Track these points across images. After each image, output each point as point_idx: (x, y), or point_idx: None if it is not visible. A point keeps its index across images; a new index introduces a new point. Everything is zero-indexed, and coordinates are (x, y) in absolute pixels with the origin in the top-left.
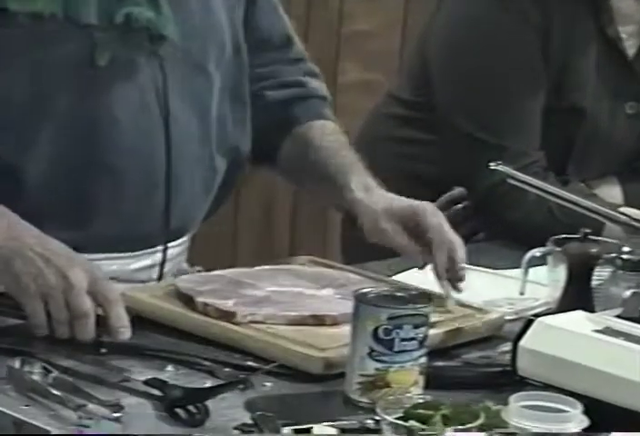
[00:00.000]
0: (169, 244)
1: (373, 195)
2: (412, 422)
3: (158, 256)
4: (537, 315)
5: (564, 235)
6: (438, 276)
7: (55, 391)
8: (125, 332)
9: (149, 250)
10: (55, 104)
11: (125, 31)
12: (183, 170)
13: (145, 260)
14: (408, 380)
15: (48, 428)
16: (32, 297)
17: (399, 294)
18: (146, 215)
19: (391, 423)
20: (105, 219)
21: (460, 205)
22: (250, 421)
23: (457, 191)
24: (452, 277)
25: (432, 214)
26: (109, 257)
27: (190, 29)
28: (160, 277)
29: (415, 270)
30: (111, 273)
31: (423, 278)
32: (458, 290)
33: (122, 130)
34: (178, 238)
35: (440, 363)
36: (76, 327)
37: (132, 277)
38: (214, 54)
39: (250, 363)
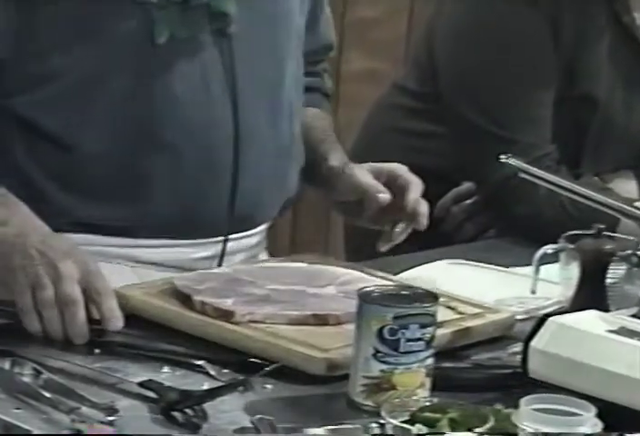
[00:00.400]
0: (233, 235)
1: (348, 164)
2: (418, 426)
3: (220, 247)
4: (549, 315)
5: (577, 231)
6: (405, 211)
7: (46, 394)
8: (116, 322)
9: (211, 239)
10: (114, 80)
11: (184, 8)
12: (251, 153)
13: (206, 249)
14: (414, 382)
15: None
16: (22, 289)
17: (405, 293)
18: (209, 198)
19: (396, 427)
20: (163, 198)
21: (469, 201)
22: (250, 425)
23: (466, 185)
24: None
25: (406, 171)
26: (168, 244)
27: (261, 15)
28: None
29: (423, 267)
30: (170, 262)
31: (430, 276)
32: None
33: (181, 107)
34: (244, 228)
35: (448, 365)
36: (66, 316)
37: (192, 267)
38: (285, 42)
39: (250, 365)
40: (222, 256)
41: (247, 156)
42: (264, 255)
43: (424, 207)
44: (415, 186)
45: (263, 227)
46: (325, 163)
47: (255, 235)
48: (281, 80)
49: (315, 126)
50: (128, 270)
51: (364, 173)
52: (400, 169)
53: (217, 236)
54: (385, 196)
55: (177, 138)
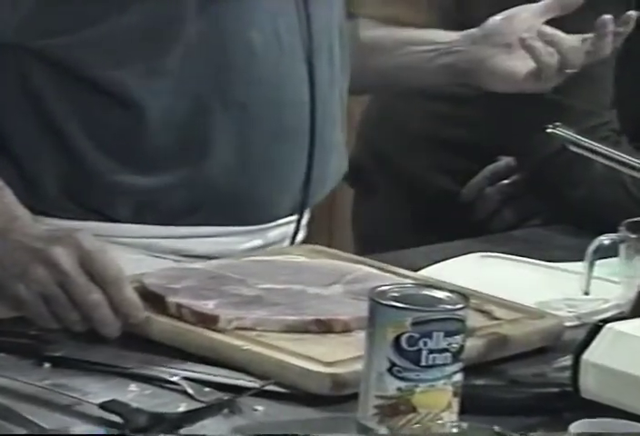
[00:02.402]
0: (294, 217)
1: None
2: None
3: (291, 228)
4: (606, 321)
5: None
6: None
7: None
8: (137, 314)
9: (281, 220)
10: (185, 29)
11: None
12: (326, 118)
13: (272, 235)
14: (439, 403)
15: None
16: (28, 302)
17: (428, 293)
18: (284, 169)
19: None
20: (228, 167)
21: (507, 180)
22: None
23: (504, 162)
24: None
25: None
26: (225, 232)
27: None
28: None
29: (451, 262)
30: (222, 253)
31: (459, 272)
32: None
33: (254, 59)
34: (310, 205)
35: (480, 382)
36: (95, 323)
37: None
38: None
39: (237, 382)
40: (293, 241)
41: (322, 121)
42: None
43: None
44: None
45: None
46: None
47: (305, 217)
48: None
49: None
50: (175, 265)
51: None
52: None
53: (288, 216)
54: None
55: (250, 94)
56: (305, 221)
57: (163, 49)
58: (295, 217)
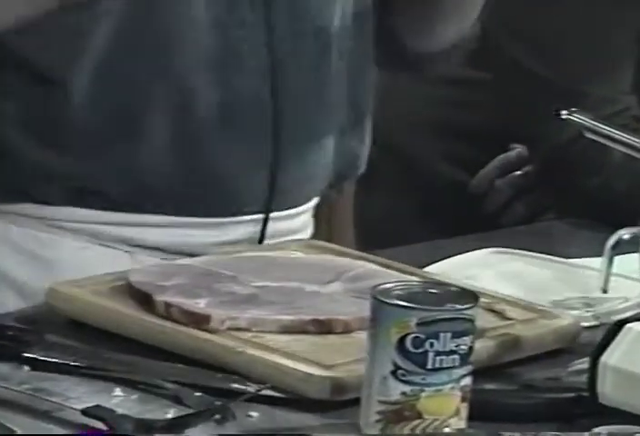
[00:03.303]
0: (274, 214)
1: None
2: None
3: (255, 229)
4: (626, 321)
5: None
6: None
7: None
8: None
9: (243, 217)
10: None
11: None
12: (291, 105)
13: (234, 231)
14: (446, 408)
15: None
16: None
17: (434, 291)
18: (241, 153)
19: None
20: (172, 151)
21: (519, 171)
22: None
23: (515, 151)
24: None
25: None
26: (178, 223)
27: None
28: None
29: (459, 258)
30: (182, 247)
31: (467, 269)
32: None
33: (200, 36)
34: (288, 205)
35: (490, 386)
36: None
37: (213, 253)
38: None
39: (230, 386)
40: (261, 241)
41: (289, 98)
42: None
43: None
44: None
45: (310, 205)
46: None
47: (300, 215)
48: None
49: None
50: (125, 256)
51: None
52: None
53: (250, 214)
54: None
55: (191, 74)
56: (302, 220)
57: (87, 21)
58: (262, 216)
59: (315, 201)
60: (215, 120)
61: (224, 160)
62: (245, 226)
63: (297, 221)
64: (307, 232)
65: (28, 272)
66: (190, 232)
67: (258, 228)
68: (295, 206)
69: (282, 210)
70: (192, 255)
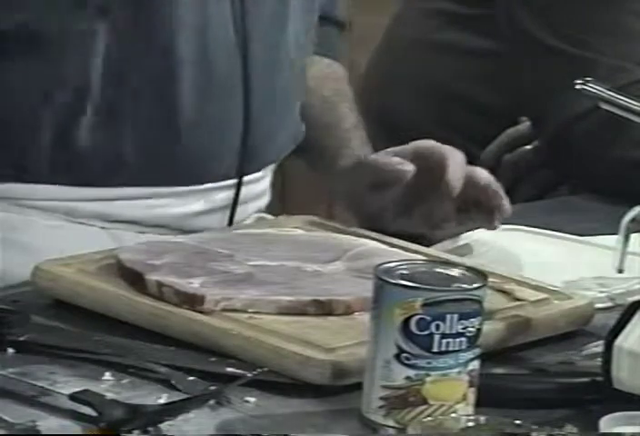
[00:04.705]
0: (246, 178)
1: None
2: None
3: (228, 195)
4: None
5: None
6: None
7: None
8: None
9: (217, 184)
10: None
11: None
12: (259, 69)
13: (209, 199)
14: (453, 393)
15: None
16: None
17: (440, 270)
18: (216, 122)
19: None
20: (148, 121)
21: (529, 146)
22: None
23: (524, 125)
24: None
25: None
26: (154, 194)
27: None
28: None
29: (466, 235)
30: (158, 219)
31: (476, 247)
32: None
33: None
34: (256, 167)
35: (500, 371)
36: None
37: (190, 226)
38: None
39: (225, 370)
40: (233, 209)
41: (258, 68)
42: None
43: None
44: (455, 158)
45: (271, 168)
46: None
47: (264, 179)
48: None
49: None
50: (102, 233)
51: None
52: (429, 143)
53: (224, 179)
54: (405, 168)
55: (174, 38)
56: (266, 183)
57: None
58: (235, 180)
59: (273, 166)
60: (195, 86)
61: (201, 127)
62: (218, 192)
63: (263, 183)
64: (267, 199)
65: (3, 257)
66: (166, 202)
67: (231, 194)
68: (264, 166)
69: (251, 172)
70: (168, 228)
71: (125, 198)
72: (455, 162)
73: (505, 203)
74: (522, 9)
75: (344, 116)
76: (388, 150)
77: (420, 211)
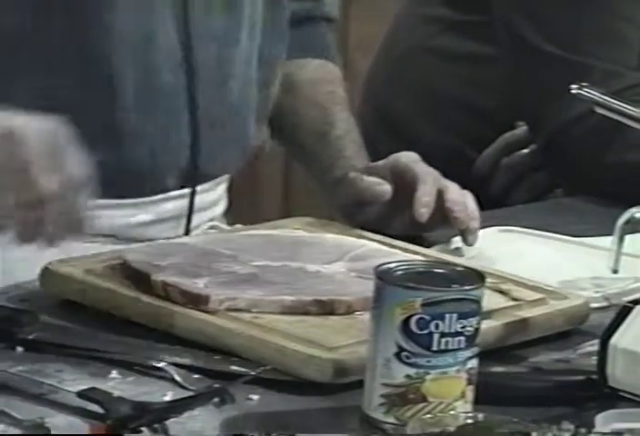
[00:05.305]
0: (199, 187)
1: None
2: None
3: (182, 203)
4: (636, 302)
5: None
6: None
7: None
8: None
9: (169, 194)
10: None
11: None
12: (206, 83)
13: (162, 209)
14: (452, 391)
15: None
16: None
17: (440, 271)
18: (165, 132)
19: None
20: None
21: (525, 150)
22: None
23: (521, 129)
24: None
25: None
26: (108, 205)
27: None
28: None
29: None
30: (113, 230)
31: (473, 248)
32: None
33: (119, 10)
34: (204, 181)
35: (498, 369)
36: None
37: (144, 235)
38: None
39: (229, 368)
40: (189, 218)
41: (204, 83)
42: (220, 224)
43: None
44: (425, 181)
45: (224, 178)
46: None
47: (217, 188)
48: None
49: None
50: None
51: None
52: (404, 161)
53: (172, 190)
54: (383, 188)
55: (113, 50)
56: (219, 192)
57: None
58: (187, 190)
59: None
60: (136, 99)
61: (140, 141)
62: (166, 203)
63: (217, 192)
64: (222, 206)
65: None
66: (119, 213)
67: (182, 204)
68: (213, 179)
69: (199, 184)
70: (117, 238)
71: None
72: (425, 187)
73: (473, 223)
74: (518, 16)
75: (337, 123)
76: (369, 165)
77: (402, 220)
